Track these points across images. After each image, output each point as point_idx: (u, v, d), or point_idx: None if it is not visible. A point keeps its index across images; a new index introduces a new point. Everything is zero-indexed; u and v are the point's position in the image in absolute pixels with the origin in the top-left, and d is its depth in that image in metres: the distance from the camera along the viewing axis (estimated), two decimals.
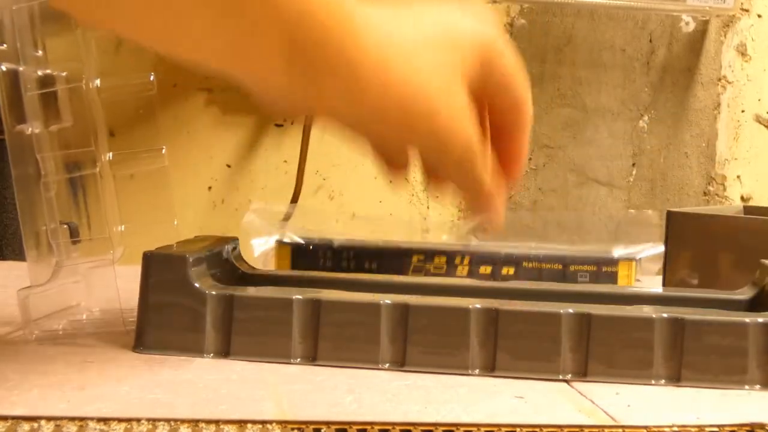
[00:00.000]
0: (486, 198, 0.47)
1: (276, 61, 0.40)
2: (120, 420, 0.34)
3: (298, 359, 0.42)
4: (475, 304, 0.41)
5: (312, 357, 0.42)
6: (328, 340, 0.42)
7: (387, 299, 0.41)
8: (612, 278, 0.55)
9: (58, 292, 0.49)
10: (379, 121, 0.43)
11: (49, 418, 0.34)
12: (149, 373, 0.40)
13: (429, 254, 0.56)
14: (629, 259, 0.55)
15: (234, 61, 0.41)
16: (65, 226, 0.50)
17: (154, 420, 0.34)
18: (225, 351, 0.42)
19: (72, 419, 0.34)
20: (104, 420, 0.34)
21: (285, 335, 0.42)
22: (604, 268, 0.55)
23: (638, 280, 0.56)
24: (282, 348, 0.42)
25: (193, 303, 0.42)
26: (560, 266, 0.56)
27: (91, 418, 0.34)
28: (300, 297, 0.42)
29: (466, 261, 0.56)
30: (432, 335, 0.41)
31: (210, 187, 0.89)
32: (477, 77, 0.45)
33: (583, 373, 0.40)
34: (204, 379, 0.40)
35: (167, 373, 0.40)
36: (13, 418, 0.34)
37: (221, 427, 0.34)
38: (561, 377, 0.41)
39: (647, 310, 0.41)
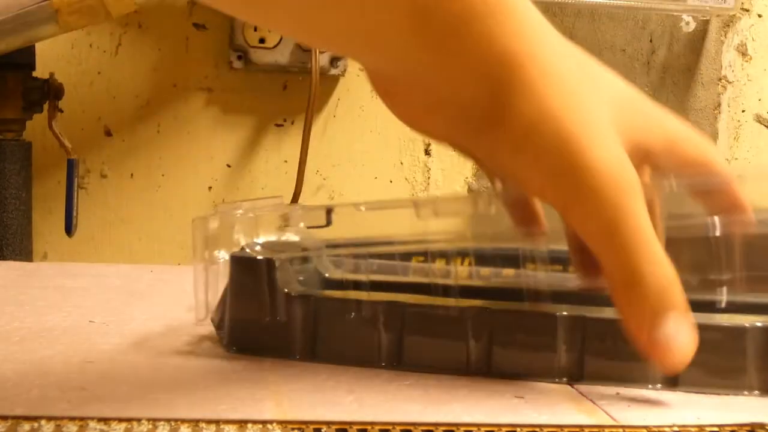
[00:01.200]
0: (653, 288, 0.34)
1: (407, 38, 0.36)
2: (120, 420, 0.34)
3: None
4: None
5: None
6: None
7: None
8: None
9: None
10: (499, 127, 0.36)
11: (49, 418, 0.34)
12: (149, 373, 0.40)
13: (429, 255, 0.56)
14: None
15: (367, 43, 0.38)
16: None
17: (154, 420, 0.34)
18: (311, 354, 0.43)
19: (72, 419, 0.34)
20: (104, 420, 0.34)
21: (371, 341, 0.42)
22: None
23: None
24: (370, 353, 0.42)
25: (280, 306, 0.43)
26: (561, 267, 0.55)
27: (91, 418, 0.34)
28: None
29: (466, 263, 0.56)
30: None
31: (210, 187, 0.89)
32: (635, 149, 0.38)
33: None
34: (204, 379, 0.40)
35: (167, 373, 0.40)
36: (13, 418, 0.34)
37: (221, 427, 0.34)
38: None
39: None
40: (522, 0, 0.37)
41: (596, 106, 0.37)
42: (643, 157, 0.38)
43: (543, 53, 0.36)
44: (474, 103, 0.37)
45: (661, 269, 0.34)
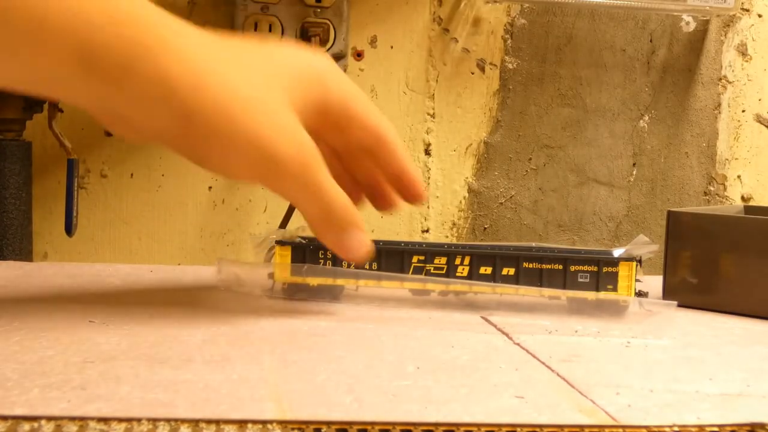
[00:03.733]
0: (341, 222, 0.48)
1: (78, 87, 0.42)
2: (120, 420, 0.34)
3: None
4: None
5: None
6: None
7: None
8: (613, 278, 0.55)
9: None
10: (204, 142, 0.44)
11: (49, 418, 0.34)
12: (149, 373, 0.40)
13: (429, 255, 0.57)
14: (630, 260, 0.55)
15: (32, 82, 0.44)
16: None
17: (154, 420, 0.34)
18: None
19: (72, 419, 0.34)
20: (104, 420, 0.34)
21: None
22: (605, 269, 0.55)
23: (639, 281, 0.56)
24: None
25: None
26: (560, 266, 0.56)
27: (92, 418, 0.34)
28: None
29: (466, 261, 0.57)
30: None
31: (210, 187, 0.89)
32: (314, 106, 0.47)
33: None
34: (204, 379, 0.40)
35: (167, 373, 0.40)
36: (13, 418, 0.34)
37: (221, 427, 0.34)
38: None
39: None
40: (177, 33, 0.44)
41: (270, 97, 0.45)
42: (322, 114, 0.48)
43: (209, 78, 0.43)
44: (170, 129, 0.44)
45: (340, 205, 0.48)
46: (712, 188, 0.96)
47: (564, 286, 0.56)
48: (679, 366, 0.46)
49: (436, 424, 0.35)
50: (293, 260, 0.58)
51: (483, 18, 0.92)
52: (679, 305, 0.63)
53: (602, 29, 0.93)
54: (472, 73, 0.92)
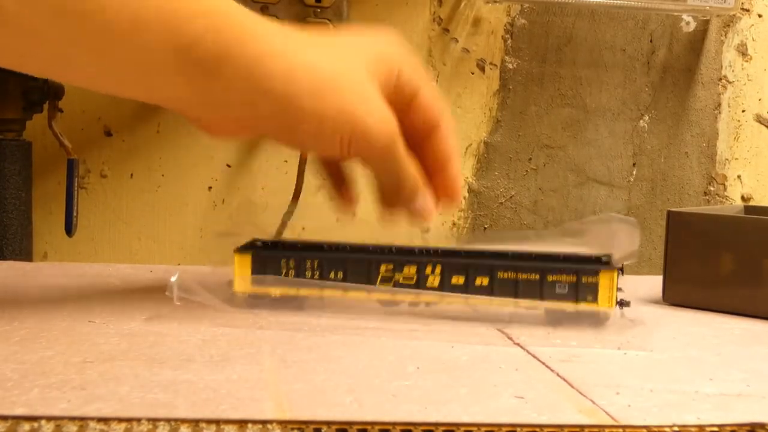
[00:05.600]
0: (414, 190, 0.51)
1: (175, 82, 0.44)
2: (120, 420, 0.34)
3: None
4: None
5: None
6: None
7: None
8: (593, 289, 0.52)
9: None
10: (300, 124, 0.46)
11: (49, 418, 0.34)
12: (149, 373, 0.40)
13: (398, 264, 0.54)
14: (611, 269, 0.53)
15: (130, 82, 0.46)
16: None
17: (154, 420, 0.34)
18: None
19: (72, 419, 0.34)
20: (104, 420, 0.34)
21: None
22: (584, 279, 0.52)
23: (620, 290, 0.53)
24: None
25: None
26: (537, 276, 0.53)
27: (92, 418, 0.34)
28: None
29: (437, 271, 0.54)
30: None
31: (210, 187, 0.89)
32: (389, 86, 0.50)
33: None
34: (204, 379, 0.40)
35: (167, 373, 0.40)
36: (13, 418, 0.34)
37: (221, 427, 0.34)
38: None
39: None
40: (262, 23, 0.46)
41: (356, 78, 0.48)
42: (395, 93, 0.50)
43: (299, 61, 0.46)
44: (268, 116, 0.46)
45: (412, 177, 0.51)
46: (712, 188, 0.96)
47: (541, 297, 0.53)
48: (679, 366, 0.46)
49: (436, 424, 0.35)
50: (254, 269, 0.55)
51: (483, 18, 0.92)
52: (679, 305, 0.63)
53: (602, 29, 0.93)
54: (472, 73, 0.92)
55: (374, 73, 0.49)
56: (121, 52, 0.43)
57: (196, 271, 0.70)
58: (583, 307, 0.52)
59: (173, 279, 0.53)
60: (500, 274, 0.53)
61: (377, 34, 0.52)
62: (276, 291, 0.55)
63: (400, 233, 0.85)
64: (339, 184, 0.57)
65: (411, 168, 0.51)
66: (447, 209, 0.57)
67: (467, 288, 0.53)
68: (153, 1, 0.42)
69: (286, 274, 0.55)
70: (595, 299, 0.53)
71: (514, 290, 0.53)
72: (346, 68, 0.48)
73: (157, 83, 0.45)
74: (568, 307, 0.53)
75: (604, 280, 0.52)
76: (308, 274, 0.54)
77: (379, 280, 0.54)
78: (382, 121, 0.48)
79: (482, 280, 0.53)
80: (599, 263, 0.53)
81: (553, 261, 0.53)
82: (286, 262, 0.54)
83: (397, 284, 0.54)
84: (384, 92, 0.49)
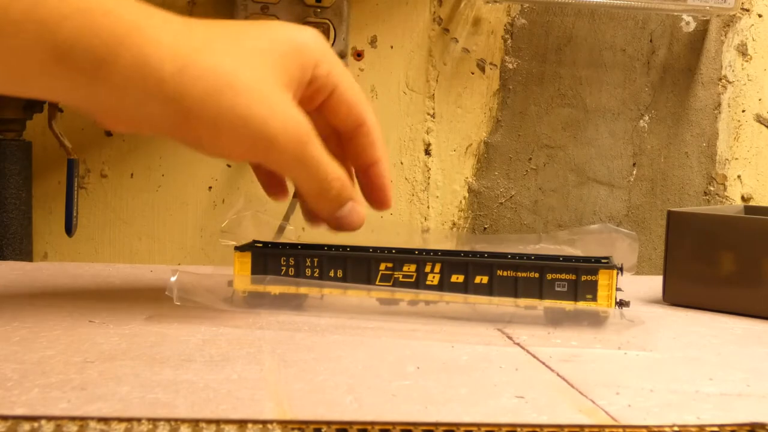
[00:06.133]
0: (339, 195, 0.48)
1: (57, 84, 0.41)
2: (120, 420, 0.34)
3: None
4: None
5: None
6: None
7: None
8: (592, 287, 0.52)
9: None
10: (195, 128, 0.43)
11: (49, 418, 0.34)
12: (149, 373, 0.40)
13: (397, 262, 0.54)
14: (610, 268, 0.53)
15: (7, 81, 0.42)
16: None
17: (155, 420, 0.34)
18: None
19: (72, 419, 0.34)
20: (104, 420, 0.34)
21: None
22: (584, 277, 0.52)
23: (620, 290, 0.53)
24: None
25: None
26: (536, 274, 0.53)
27: (92, 418, 0.34)
28: None
29: (437, 269, 0.54)
30: None
31: (210, 187, 0.89)
32: (302, 83, 0.47)
33: None
34: (204, 379, 0.40)
35: (167, 373, 0.40)
36: (13, 418, 0.34)
37: (221, 427, 0.34)
38: None
39: None
40: (150, 17, 0.43)
41: (258, 75, 0.44)
42: (312, 91, 0.48)
43: (192, 62, 0.43)
44: (159, 117, 0.43)
45: (336, 180, 0.48)
46: (712, 188, 0.96)
47: (540, 296, 0.53)
48: (679, 366, 0.46)
49: (436, 424, 0.35)
50: (253, 268, 0.55)
51: (483, 18, 0.92)
52: (679, 305, 0.63)
53: (602, 29, 0.93)
54: (472, 73, 0.92)
55: (283, 69, 0.46)
56: None
57: (197, 270, 0.70)
58: (583, 306, 0.52)
59: (173, 279, 0.53)
60: (499, 273, 0.53)
61: (291, 27, 0.48)
62: (276, 289, 0.55)
63: (400, 230, 0.84)
64: (268, 177, 0.54)
65: (333, 172, 0.47)
66: (380, 211, 0.53)
67: (467, 286, 0.53)
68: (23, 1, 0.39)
69: (286, 273, 0.55)
70: (594, 298, 0.53)
71: (513, 289, 0.53)
72: (246, 66, 0.44)
73: (38, 84, 0.42)
74: (568, 305, 0.53)
75: (603, 279, 0.52)
76: (308, 272, 0.54)
77: (378, 278, 0.54)
78: (288, 125, 0.45)
79: (482, 279, 0.53)
80: (598, 263, 0.53)
81: (552, 260, 0.53)
82: (285, 260, 0.54)
83: (396, 282, 0.54)
84: (295, 90, 0.46)
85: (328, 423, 0.34)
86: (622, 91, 0.94)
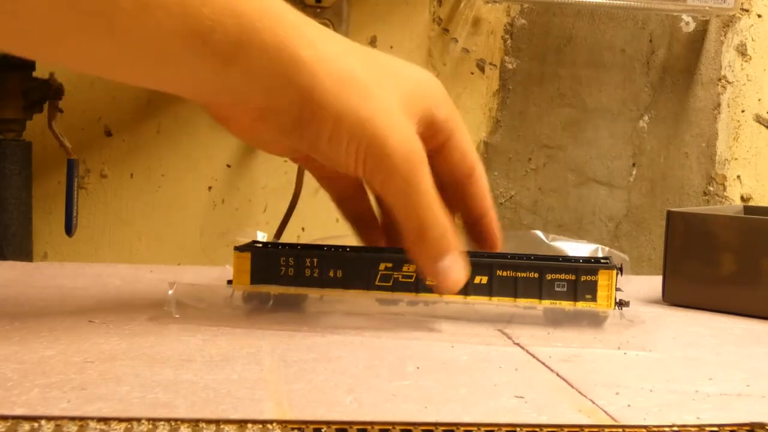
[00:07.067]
0: (441, 240, 0.45)
1: (191, 69, 0.41)
2: (120, 420, 0.34)
3: None
4: None
5: None
6: None
7: None
8: (592, 287, 0.52)
9: None
10: (317, 121, 0.43)
11: (49, 418, 0.34)
12: (149, 373, 0.40)
13: (397, 262, 0.54)
14: (610, 268, 0.52)
15: (145, 68, 0.42)
16: None
17: (155, 420, 0.34)
18: None
19: (72, 419, 0.34)
20: (104, 420, 0.34)
21: None
22: (583, 277, 0.52)
23: (619, 290, 0.53)
24: None
25: None
26: (536, 275, 0.53)
27: (92, 418, 0.34)
28: None
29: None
30: None
31: (210, 187, 0.89)
32: (422, 123, 0.46)
33: None
34: (204, 379, 0.40)
35: (167, 373, 0.40)
36: (13, 417, 0.34)
37: (221, 427, 0.34)
38: None
39: None
40: (293, 12, 0.43)
41: (386, 94, 0.44)
42: (429, 131, 0.47)
43: (328, 56, 0.42)
44: (287, 107, 0.43)
45: (441, 222, 0.45)
46: (711, 188, 0.96)
47: (540, 296, 0.53)
48: (678, 366, 0.46)
49: (436, 424, 0.35)
50: (253, 267, 0.54)
51: (483, 18, 0.92)
52: (679, 305, 0.63)
53: (602, 29, 0.93)
54: (472, 73, 0.92)
55: (409, 102, 0.45)
56: (123, 35, 0.39)
57: (196, 271, 0.70)
58: (582, 306, 0.52)
59: (170, 293, 0.53)
60: (499, 272, 0.53)
61: (418, 69, 0.48)
62: (275, 290, 0.55)
63: None
64: (362, 224, 0.53)
65: (439, 212, 0.45)
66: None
67: (466, 287, 0.53)
68: None
69: (286, 273, 0.54)
70: (594, 298, 0.52)
71: (513, 289, 0.53)
72: (376, 82, 0.44)
73: (170, 70, 0.42)
74: (567, 306, 0.53)
75: (603, 279, 0.52)
76: (307, 272, 0.54)
77: (378, 278, 0.54)
78: (406, 144, 0.43)
79: (481, 279, 0.53)
80: (598, 263, 0.53)
81: (552, 260, 0.54)
82: (285, 260, 0.54)
83: (396, 283, 0.54)
84: (417, 126, 0.45)
85: (328, 423, 0.35)
86: (622, 91, 0.94)
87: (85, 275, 0.66)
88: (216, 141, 0.92)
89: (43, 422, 0.33)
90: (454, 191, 0.49)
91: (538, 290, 0.53)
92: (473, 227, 0.52)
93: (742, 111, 0.97)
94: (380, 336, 0.50)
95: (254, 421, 0.34)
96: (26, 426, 0.33)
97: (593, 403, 0.38)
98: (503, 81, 0.92)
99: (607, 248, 0.56)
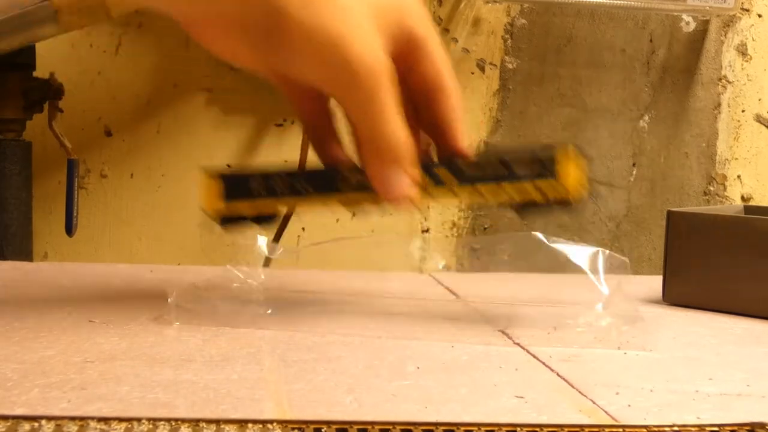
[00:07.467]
0: (390, 156, 0.46)
1: None
2: (120, 420, 0.34)
3: None
4: None
5: None
6: None
7: None
8: (552, 167, 0.50)
9: None
10: (286, 33, 0.44)
11: (49, 418, 0.34)
12: (149, 373, 0.40)
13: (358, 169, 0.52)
14: (574, 152, 0.50)
15: None
16: None
17: (155, 420, 0.34)
18: None
19: (72, 419, 0.34)
20: (104, 420, 0.34)
21: None
22: (545, 159, 0.49)
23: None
24: None
25: None
26: (498, 162, 0.50)
27: (92, 418, 0.34)
28: None
29: None
30: None
31: None
32: (396, 36, 0.47)
33: None
34: (204, 379, 0.40)
35: (167, 373, 0.40)
36: (13, 417, 0.34)
37: (221, 427, 0.34)
38: None
39: None
40: None
41: (357, 8, 0.45)
42: (400, 46, 0.47)
43: None
44: (259, 21, 0.44)
45: (395, 135, 0.45)
46: (712, 188, 0.96)
47: (503, 180, 0.50)
48: (678, 366, 0.46)
49: (436, 424, 0.35)
50: (225, 193, 0.53)
51: (483, 18, 0.92)
52: (679, 305, 0.63)
53: (602, 29, 0.93)
54: (472, 73, 0.92)
55: (380, 19, 0.46)
56: None
57: (196, 271, 0.70)
58: (547, 187, 0.50)
59: (170, 300, 0.53)
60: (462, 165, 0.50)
61: None
62: (248, 209, 0.53)
63: (401, 233, 0.84)
64: (322, 138, 0.53)
65: (398, 129, 0.46)
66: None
67: (428, 187, 0.50)
68: None
69: (259, 194, 0.53)
70: (556, 178, 0.50)
71: (475, 177, 0.50)
72: (357, 7, 0.45)
73: None
74: (532, 192, 0.50)
75: (564, 159, 0.50)
76: (278, 190, 0.53)
77: (343, 182, 0.51)
78: (372, 58, 0.44)
79: (444, 173, 0.50)
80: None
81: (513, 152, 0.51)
82: (256, 183, 0.53)
83: (362, 184, 0.50)
84: (387, 42, 0.46)
85: (328, 423, 0.34)
86: (622, 91, 0.94)
87: (85, 275, 0.66)
88: (216, 141, 0.92)
89: (43, 422, 0.33)
90: (426, 108, 0.50)
91: (501, 176, 0.50)
92: (441, 138, 0.51)
93: (743, 111, 0.96)
94: (380, 336, 0.50)
95: (254, 421, 0.34)
96: (26, 426, 0.33)
97: (593, 403, 0.38)
98: (503, 81, 0.92)
99: (607, 251, 0.56)
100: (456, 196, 0.51)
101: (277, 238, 0.87)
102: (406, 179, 0.47)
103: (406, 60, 0.48)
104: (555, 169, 0.50)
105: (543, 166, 0.50)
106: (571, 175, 0.50)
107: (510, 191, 0.51)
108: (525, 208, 0.51)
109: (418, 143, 0.50)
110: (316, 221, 0.92)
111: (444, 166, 0.50)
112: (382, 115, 0.45)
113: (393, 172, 0.47)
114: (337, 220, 0.92)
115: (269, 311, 0.54)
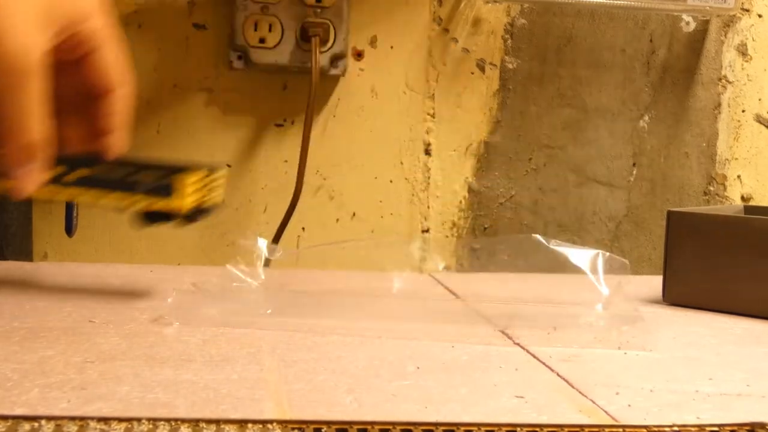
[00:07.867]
0: (18, 140, 0.46)
1: None
2: (120, 420, 0.34)
3: None
4: None
5: None
6: None
7: None
8: (170, 187, 0.53)
9: None
10: None
11: (49, 418, 0.34)
12: (149, 373, 0.40)
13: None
14: (196, 170, 0.53)
15: None
16: None
17: (155, 420, 0.34)
18: None
19: (72, 419, 0.34)
20: (104, 420, 0.34)
21: None
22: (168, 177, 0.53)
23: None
24: None
25: None
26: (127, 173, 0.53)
27: (92, 418, 0.34)
28: None
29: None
30: None
31: None
32: (60, 36, 0.47)
33: None
34: (204, 379, 0.40)
35: (167, 373, 0.40)
36: (13, 417, 0.34)
37: (221, 427, 0.34)
38: None
39: None
40: None
41: (21, 4, 0.45)
42: (71, 40, 0.48)
43: None
44: None
45: (30, 132, 0.46)
46: (712, 188, 0.96)
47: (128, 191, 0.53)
48: (678, 366, 0.46)
49: (436, 424, 0.35)
50: None
51: (483, 18, 0.92)
52: (679, 305, 0.63)
53: (602, 29, 0.93)
54: (472, 73, 0.92)
55: (46, 14, 0.46)
56: None
57: (196, 271, 0.70)
58: (159, 203, 0.53)
59: (170, 300, 0.53)
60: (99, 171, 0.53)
61: None
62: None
63: (400, 233, 0.84)
64: None
65: (32, 121, 0.46)
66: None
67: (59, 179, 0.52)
68: None
69: None
70: (172, 196, 0.53)
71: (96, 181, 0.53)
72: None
73: None
74: (145, 204, 0.53)
75: (188, 179, 0.53)
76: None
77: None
78: (17, 48, 0.44)
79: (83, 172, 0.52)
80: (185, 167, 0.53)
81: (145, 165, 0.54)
82: None
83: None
84: (53, 33, 0.46)
85: (328, 423, 0.35)
86: (622, 91, 0.94)
87: (85, 275, 0.66)
88: (216, 141, 0.92)
89: (43, 422, 0.33)
90: (87, 106, 0.50)
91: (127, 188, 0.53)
92: (95, 145, 0.52)
93: (743, 111, 0.97)
94: (380, 336, 0.50)
95: (254, 421, 0.34)
96: (26, 426, 0.33)
97: (593, 403, 0.38)
98: (503, 81, 0.92)
99: (608, 254, 0.56)
100: (61, 196, 0.53)
101: (277, 236, 0.87)
102: (34, 176, 0.48)
103: (73, 58, 0.48)
104: (172, 187, 0.53)
105: (163, 183, 0.53)
106: (188, 195, 0.53)
107: (123, 201, 0.53)
108: (144, 218, 0.54)
109: (73, 137, 0.52)
110: (316, 220, 0.92)
111: (77, 165, 0.52)
112: (21, 110, 0.45)
113: (21, 171, 0.48)
114: (337, 220, 0.92)
115: (269, 311, 0.54)
